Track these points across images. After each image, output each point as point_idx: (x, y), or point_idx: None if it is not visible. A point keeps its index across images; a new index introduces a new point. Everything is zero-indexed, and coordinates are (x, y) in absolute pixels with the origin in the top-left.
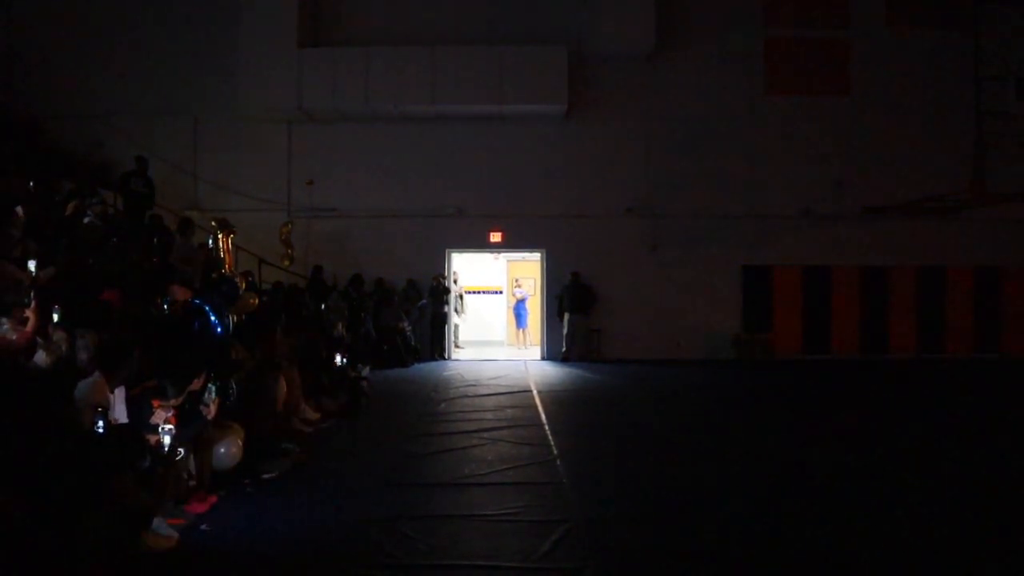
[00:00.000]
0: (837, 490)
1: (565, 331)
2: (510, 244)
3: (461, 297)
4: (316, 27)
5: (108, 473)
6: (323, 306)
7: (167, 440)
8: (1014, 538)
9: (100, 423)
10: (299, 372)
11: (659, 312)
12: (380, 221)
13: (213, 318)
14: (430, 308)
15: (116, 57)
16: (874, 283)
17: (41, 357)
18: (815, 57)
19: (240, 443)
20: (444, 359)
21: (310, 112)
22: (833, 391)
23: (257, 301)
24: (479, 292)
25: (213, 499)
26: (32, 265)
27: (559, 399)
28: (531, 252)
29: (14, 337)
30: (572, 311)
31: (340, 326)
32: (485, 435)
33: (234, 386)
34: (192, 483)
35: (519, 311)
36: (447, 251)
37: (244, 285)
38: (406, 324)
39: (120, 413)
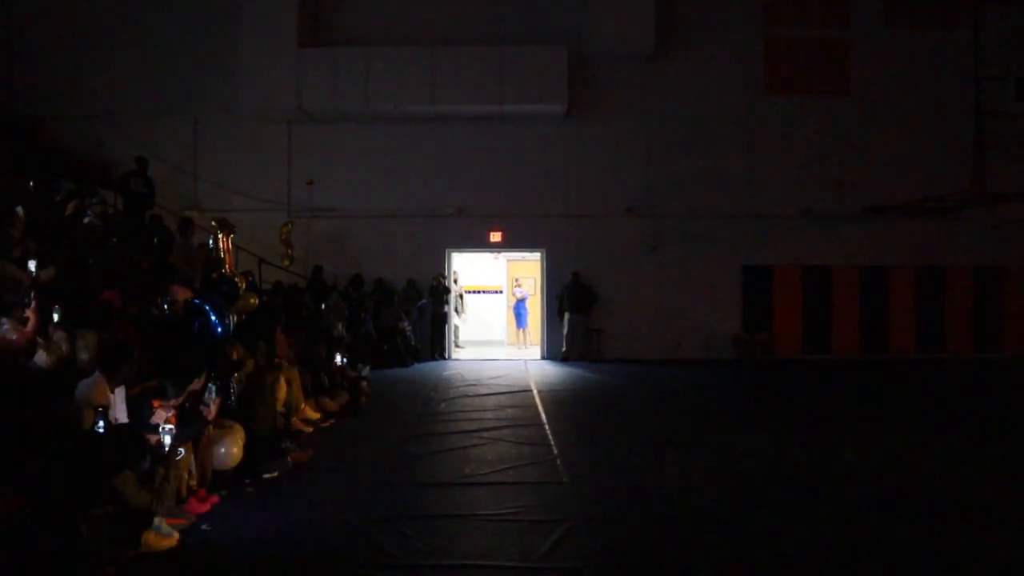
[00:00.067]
0: (838, 490)
1: (565, 331)
2: (510, 244)
3: (461, 297)
4: (316, 27)
5: (109, 473)
6: (323, 306)
7: (167, 440)
8: (1014, 538)
9: (100, 423)
10: (299, 372)
11: (659, 312)
12: (380, 221)
13: (213, 318)
14: (430, 308)
15: (116, 57)
16: (874, 283)
17: (41, 357)
18: (815, 57)
19: (240, 443)
20: (444, 359)
21: (310, 112)
22: (833, 391)
23: (257, 301)
24: (479, 292)
25: (214, 499)
26: (32, 265)
27: (559, 399)
28: (531, 252)
29: (14, 337)
30: (572, 311)
31: (340, 326)
32: (485, 435)
33: (235, 386)
34: (192, 483)
35: (519, 311)
36: (447, 251)
37: (244, 285)
38: (406, 324)
39: (120, 413)
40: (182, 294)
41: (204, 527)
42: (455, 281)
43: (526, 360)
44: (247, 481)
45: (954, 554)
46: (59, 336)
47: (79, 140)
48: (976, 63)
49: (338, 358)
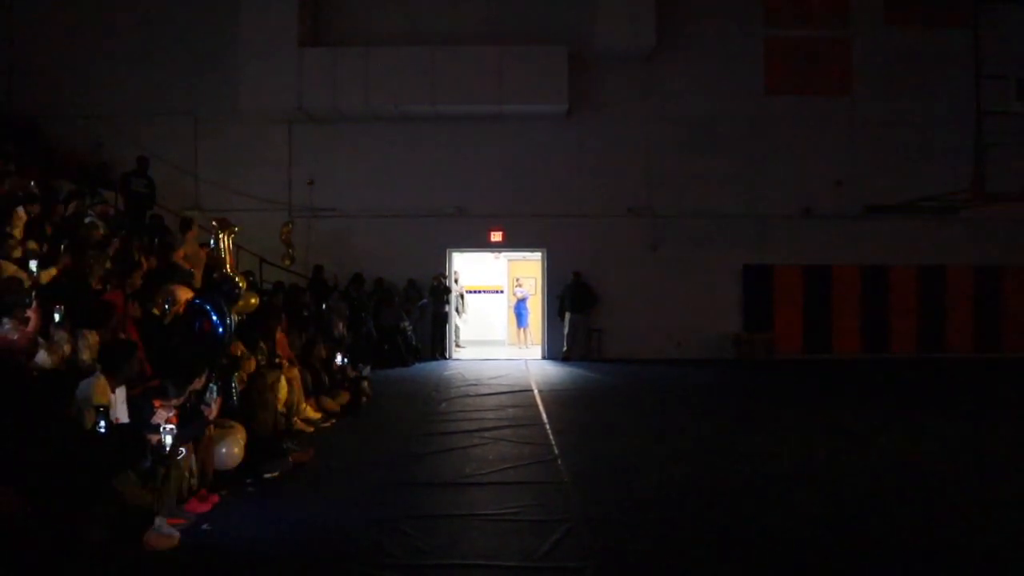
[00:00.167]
0: (839, 490)
1: (566, 330)
2: (511, 244)
3: (462, 297)
4: (316, 27)
5: (109, 473)
6: (324, 306)
7: (168, 440)
8: (1014, 537)
9: (101, 423)
10: (300, 372)
11: (660, 311)
12: (381, 221)
13: (214, 318)
14: (431, 308)
15: (116, 57)
16: (875, 282)
17: (43, 357)
18: (815, 57)
19: (241, 443)
20: (445, 358)
21: (310, 112)
22: (834, 390)
23: (258, 301)
24: (480, 292)
25: (214, 499)
26: (33, 265)
27: (560, 398)
28: (532, 252)
29: (16, 337)
30: (573, 310)
31: (341, 326)
32: (486, 434)
33: (236, 385)
34: (193, 483)
35: (520, 311)
36: (448, 251)
37: (245, 285)
38: (407, 324)
39: (121, 413)
40: (183, 294)
41: (205, 527)
42: (456, 281)
43: (527, 360)
44: (248, 481)
45: (954, 554)
46: (60, 336)
47: (79, 140)
48: (976, 62)
49: (339, 358)
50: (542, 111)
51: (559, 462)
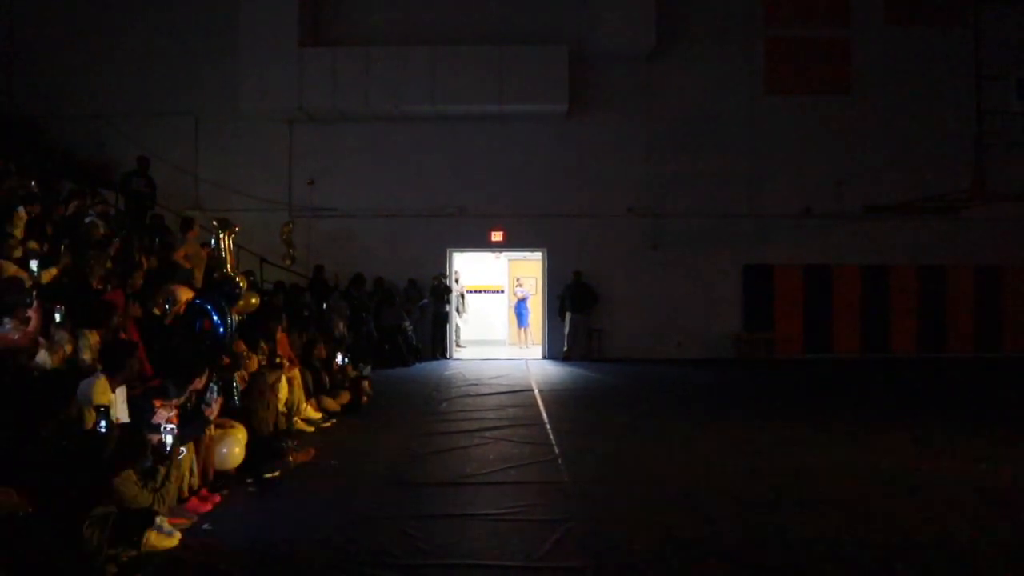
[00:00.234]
0: (840, 490)
1: (567, 330)
2: (511, 243)
3: (462, 296)
4: (316, 26)
5: (110, 473)
6: (324, 306)
7: (169, 440)
8: (1015, 537)
9: (102, 423)
10: (301, 371)
11: (660, 311)
12: (381, 221)
13: (215, 318)
14: (431, 307)
15: (116, 57)
16: (875, 282)
17: (43, 357)
18: (815, 56)
19: (242, 443)
20: (445, 358)
21: (310, 112)
22: (835, 390)
23: (258, 301)
24: (480, 291)
25: (215, 499)
26: (34, 265)
27: (560, 398)
28: (532, 251)
29: (16, 337)
30: (574, 310)
31: (341, 325)
32: (487, 434)
33: (237, 385)
34: (194, 482)
35: (520, 310)
36: (448, 250)
37: (246, 285)
38: (408, 323)
39: (122, 413)
40: (184, 294)
41: (205, 527)
42: (456, 281)
43: (527, 360)
44: (248, 481)
45: (953, 554)
46: (61, 336)
47: (80, 140)
48: (976, 63)
49: (339, 358)
50: (542, 111)
51: (559, 462)
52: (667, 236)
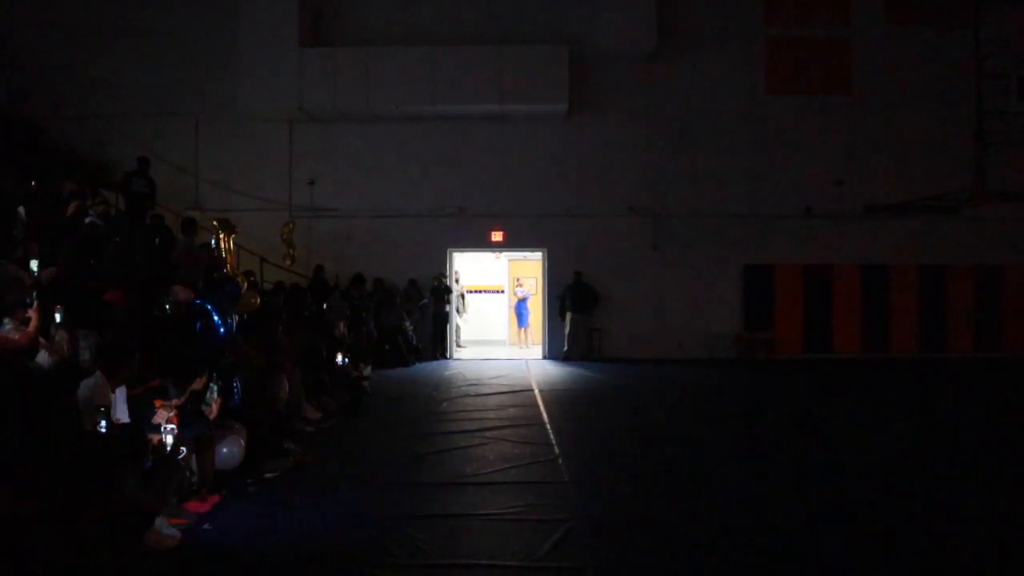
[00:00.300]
0: (840, 490)
1: (567, 330)
2: (511, 243)
3: (463, 296)
4: (317, 27)
5: (110, 473)
6: (325, 306)
7: (169, 440)
8: (1015, 537)
9: (102, 423)
10: (301, 372)
11: (660, 311)
12: (381, 221)
13: (216, 318)
14: (431, 307)
15: (117, 57)
16: (875, 282)
17: (43, 357)
18: (816, 56)
19: (242, 443)
20: (446, 358)
21: (310, 112)
22: (835, 390)
23: (259, 301)
24: (481, 291)
25: (215, 499)
26: (34, 265)
27: (561, 398)
28: (532, 251)
29: (17, 337)
30: (574, 310)
31: (342, 325)
32: (487, 434)
33: (238, 384)
34: (194, 482)
35: (520, 310)
36: (448, 250)
37: (246, 285)
38: (408, 323)
39: (122, 413)
40: (184, 294)
41: (206, 527)
42: (456, 281)
43: (527, 360)
44: (249, 481)
45: (954, 553)
46: (61, 336)
47: (80, 140)
48: (977, 62)
49: (339, 358)
50: (542, 111)
51: (560, 462)
52: (667, 236)
